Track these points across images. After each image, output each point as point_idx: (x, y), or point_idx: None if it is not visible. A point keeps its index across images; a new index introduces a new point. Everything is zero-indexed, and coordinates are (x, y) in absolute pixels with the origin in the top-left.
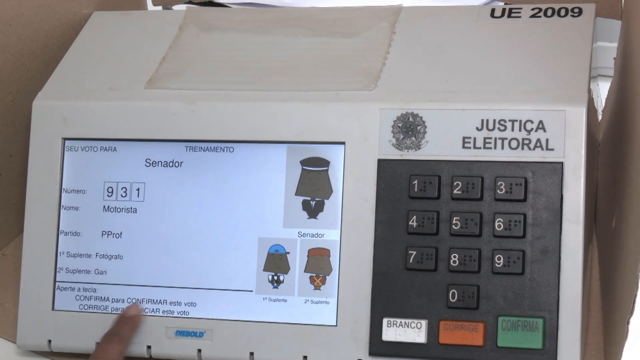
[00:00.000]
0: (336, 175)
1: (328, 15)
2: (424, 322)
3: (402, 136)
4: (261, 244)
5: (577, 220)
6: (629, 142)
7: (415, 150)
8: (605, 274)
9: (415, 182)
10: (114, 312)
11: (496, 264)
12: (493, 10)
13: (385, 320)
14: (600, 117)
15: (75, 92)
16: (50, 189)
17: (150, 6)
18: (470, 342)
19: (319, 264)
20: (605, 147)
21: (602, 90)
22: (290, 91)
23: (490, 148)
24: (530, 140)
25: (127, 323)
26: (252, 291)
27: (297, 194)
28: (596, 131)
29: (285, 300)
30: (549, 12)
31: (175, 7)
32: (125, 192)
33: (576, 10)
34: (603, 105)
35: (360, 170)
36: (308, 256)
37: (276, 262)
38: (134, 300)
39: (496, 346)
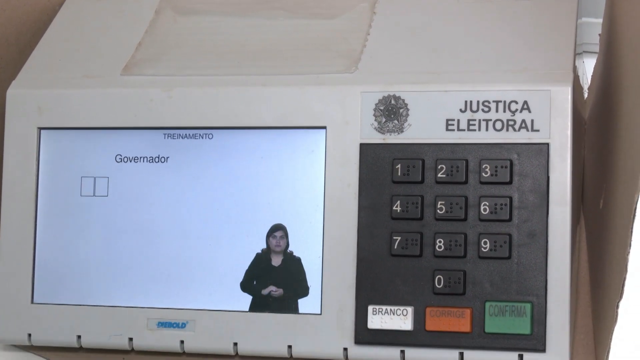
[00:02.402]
0: (318, 160)
1: None
2: (409, 309)
3: (384, 119)
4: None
5: (564, 202)
6: (616, 120)
7: (398, 133)
8: (594, 256)
9: (399, 166)
10: (94, 304)
11: (482, 249)
12: None
13: (370, 308)
14: (586, 95)
15: (50, 80)
16: (27, 179)
17: None
18: (457, 329)
19: None
20: (591, 126)
21: (588, 67)
22: (269, 75)
23: (475, 130)
24: (515, 122)
25: None
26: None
27: (278, 180)
28: (582, 109)
29: None
30: None
31: None
32: (103, 181)
33: None
34: (589, 82)
35: (342, 155)
36: None
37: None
38: (115, 291)
39: (484, 332)
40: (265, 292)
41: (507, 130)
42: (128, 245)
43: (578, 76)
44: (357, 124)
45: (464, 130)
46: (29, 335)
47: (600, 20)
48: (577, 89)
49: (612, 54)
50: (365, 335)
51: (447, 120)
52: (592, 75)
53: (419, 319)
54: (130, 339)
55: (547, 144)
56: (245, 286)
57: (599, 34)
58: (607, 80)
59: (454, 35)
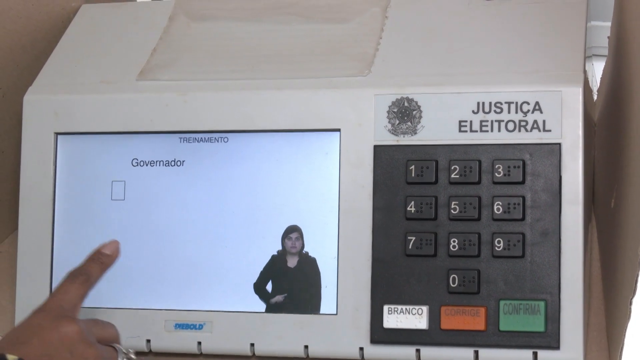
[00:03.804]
0: (332, 162)
1: (320, 1)
2: (425, 308)
3: (397, 121)
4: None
5: (576, 201)
6: (626, 121)
7: (412, 135)
8: (605, 254)
9: (412, 167)
10: (113, 307)
11: (496, 248)
12: None
13: (386, 307)
14: (595, 97)
15: (67, 86)
16: (44, 184)
17: None
18: (472, 327)
19: None
20: (601, 127)
21: (597, 70)
22: (283, 79)
23: (487, 131)
24: (527, 122)
25: (98, 262)
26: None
27: (293, 182)
28: (592, 111)
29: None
30: None
31: None
32: (119, 185)
33: None
34: (598, 85)
35: (356, 157)
36: None
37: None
38: (132, 294)
39: (498, 330)
40: (273, 301)
41: (519, 130)
42: (145, 248)
43: (588, 78)
44: (370, 126)
45: (476, 131)
46: None
47: (609, 24)
48: (587, 90)
49: (621, 56)
50: (381, 335)
51: (460, 121)
52: (601, 78)
53: (434, 317)
54: (148, 341)
55: (559, 144)
56: (259, 288)
57: (608, 37)
58: (617, 83)
59: (466, 37)
